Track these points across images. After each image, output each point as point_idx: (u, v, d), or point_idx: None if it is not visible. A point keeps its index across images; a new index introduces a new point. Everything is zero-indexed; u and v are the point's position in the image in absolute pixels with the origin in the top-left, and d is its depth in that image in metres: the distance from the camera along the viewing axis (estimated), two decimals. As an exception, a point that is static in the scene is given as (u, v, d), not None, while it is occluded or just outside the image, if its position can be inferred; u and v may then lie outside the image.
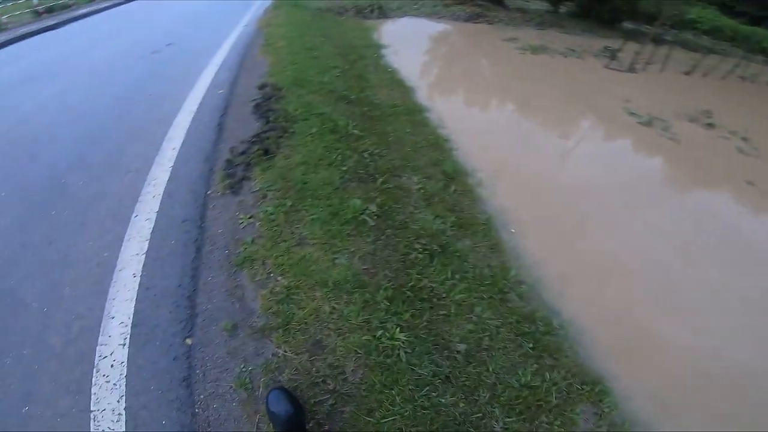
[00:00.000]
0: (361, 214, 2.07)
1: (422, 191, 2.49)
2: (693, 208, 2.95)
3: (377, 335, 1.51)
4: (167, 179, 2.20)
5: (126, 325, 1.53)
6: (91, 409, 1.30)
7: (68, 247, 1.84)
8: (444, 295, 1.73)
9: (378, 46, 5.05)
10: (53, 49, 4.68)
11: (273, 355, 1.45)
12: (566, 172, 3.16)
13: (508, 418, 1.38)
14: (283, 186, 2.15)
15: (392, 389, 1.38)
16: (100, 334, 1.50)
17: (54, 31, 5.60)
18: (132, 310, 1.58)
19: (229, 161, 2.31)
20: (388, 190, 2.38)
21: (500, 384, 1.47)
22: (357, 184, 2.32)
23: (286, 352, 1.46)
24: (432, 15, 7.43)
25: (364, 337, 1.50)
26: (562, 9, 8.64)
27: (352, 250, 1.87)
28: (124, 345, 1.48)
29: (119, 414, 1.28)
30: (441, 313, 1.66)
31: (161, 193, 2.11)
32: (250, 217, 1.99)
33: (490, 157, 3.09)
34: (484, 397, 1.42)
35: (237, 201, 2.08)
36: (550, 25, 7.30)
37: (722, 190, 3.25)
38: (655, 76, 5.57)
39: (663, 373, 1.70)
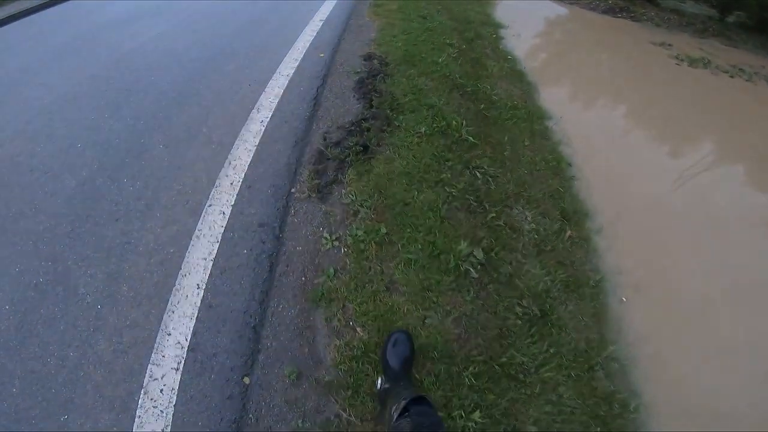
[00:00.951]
0: (465, 260, 1.64)
1: (534, 234, 1.97)
2: None
3: (452, 414, 1.26)
4: (249, 162, 1.88)
5: (182, 347, 1.32)
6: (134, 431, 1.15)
7: (134, 232, 1.62)
8: (533, 372, 1.45)
9: (497, 26, 4.23)
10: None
11: (335, 416, 1.23)
12: (712, 242, 2.37)
13: None
14: (380, 204, 1.74)
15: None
16: (154, 351, 1.30)
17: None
18: (191, 330, 1.35)
19: (320, 153, 1.92)
20: (498, 229, 1.89)
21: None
22: (465, 216, 1.85)
23: (350, 416, 1.23)
24: (563, -2, 6.19)
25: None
26: (730, 18, 6.79)
27: (447, 308, 1.49)
28: (178, 369, 1.28)
29: (161, 444, 1.09)
30: (525, 392, 1.39)
31: (240, 181, 1.81)
32: (335, 239, 1.62)
33: (616, 195, 2.41)
34: None
35: (323, 211, 1.72)
36: (712, 34, 5.74)
37: None
38: None
39: None
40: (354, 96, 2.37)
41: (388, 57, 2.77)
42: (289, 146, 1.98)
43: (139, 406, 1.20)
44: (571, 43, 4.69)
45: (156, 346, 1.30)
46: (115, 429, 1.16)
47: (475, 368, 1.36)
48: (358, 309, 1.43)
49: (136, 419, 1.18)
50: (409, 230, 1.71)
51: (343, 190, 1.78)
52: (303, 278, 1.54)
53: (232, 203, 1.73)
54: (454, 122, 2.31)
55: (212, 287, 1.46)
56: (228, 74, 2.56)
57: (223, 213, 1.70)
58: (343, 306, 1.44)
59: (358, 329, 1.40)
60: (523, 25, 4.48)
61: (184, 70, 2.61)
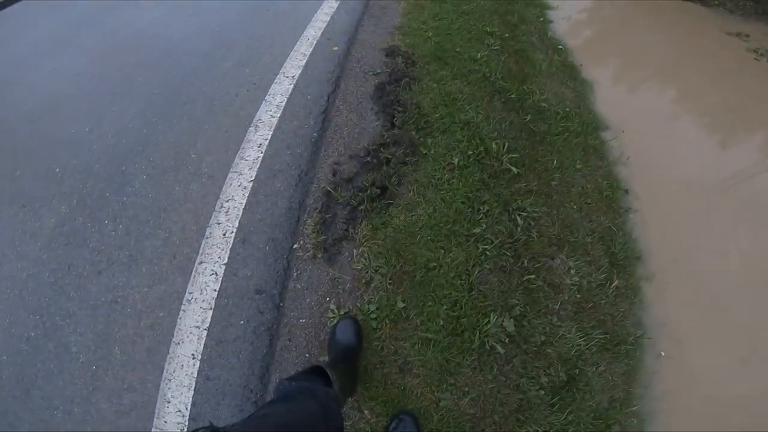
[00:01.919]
0: (492, 335, 1.38)
1: (576, 291, 1.67)
2: None
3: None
4: (243, 205, 1.57)
5: (183, 415, 1.21)
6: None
7: (119, 288, 1.44)
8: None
9: (543, 6, 3.51)
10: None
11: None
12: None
13: None
14: (398, 270, 1.42)
15: None
16: (155, 416, 1.21)
17: None
18: (190, 401, 1.24)
19: (328, 194, 1.58)
20: (533, 290, 1.58)
21: None
22: (497, 278, 1.52)
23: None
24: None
25: None
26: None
27: (465, 389, 1.29)
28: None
29: None
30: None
31: (233, 231, 1.50)
32: (344, 314, 1.34)
33: (676, 233, 2.03)
34: None
35: (330, 277, 1.41)
36: (794, 25, 4.70)
37: None
38: None
39: None
40: (372, 109, 1.96)
41: (414, 52, 2.29)
42: (291, 184, 1.64)
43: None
44: (631, 29, 3.88)
45: (157, 411, 1.23)
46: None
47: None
48: (366, 393, 1.24)
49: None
50: (430, 304, 1.40)
51: (355, 251, 1.45)
52: (307, 354, 1.32)
53: (225, 261, 1.45)
54: (494, 146, 1.88)
55: (208, 359, 1.30)
56: (224, 74, 2.16)
57: (216, 274, 1.44)
58: (351, 396, 1.21)
59: (366, 412, 1.22)
60: (573, 5, 3.74)
61: (177, 68, 2.23)
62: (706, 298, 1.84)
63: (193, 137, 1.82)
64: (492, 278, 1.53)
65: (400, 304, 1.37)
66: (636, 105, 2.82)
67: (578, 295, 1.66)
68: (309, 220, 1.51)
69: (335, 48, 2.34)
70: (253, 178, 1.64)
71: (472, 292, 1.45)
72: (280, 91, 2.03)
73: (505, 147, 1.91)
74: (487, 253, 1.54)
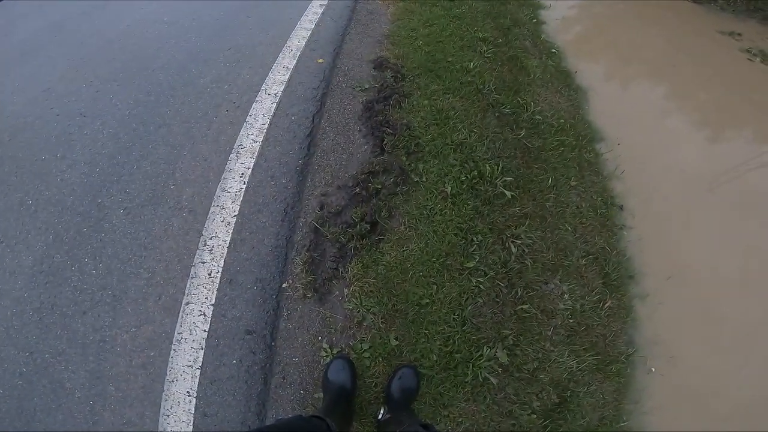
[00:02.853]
0: (485, 367, 1.38)
1: (569, 316, 1.67)
2: None
3: None
4: (228, 242, 1.49)
5: None
6: None
7: (106, 328, 1.37)
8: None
9: (536, 6, 3.38)
10: None
11: None
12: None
13: None
14: (389, 309, 1.38)
15: None
16: None
17: None
18: None
19: (316, 231, 1.51)
20: (527, 318, 1.57)
21: None
22: (491, 310, 1.50)
23: None
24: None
25: None
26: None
27: (459, 419, 1.31)
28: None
29: None
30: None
31: (219, 270, 1.44)
32: (336, 353, 1.30)
33: (671, 250, 2.02)
34: None
35: (321, 316, 1.37)
36: (786, 23, 4.60)
37: None
38: None
39: None
40: (360, 131, 1.87)
41: (404, 64, 2.19)
42: (277, 219, 1.56)
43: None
44: (624, 30, 3.76)
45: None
46: None
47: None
48: (361, 429, 1.24)
49: None
50: (423, 341, 1.38)
51: (346, 290, 1.40)
52: (302, 391, 1.31)
53: (213, 302, 1.40)
54: (488, 168, 1.83)
55: (204, 396, 1.28)
56: (202, 91, 2.04)
57: (204, 314, 1.38)
58: None
59: (356, 447, 1.20)
60: (566, 5, 3.61)
61: (150, 84, 2.10)
62: (700, 313, 1.84)
63: (171, 166, 1.72)
64: (485, 310, 1.50)
65: (393, 342, 1.34)
66: (630, 111, 2.76)
67: (571, 320, 1.66)
68: (297, 258, 1.45)
69: (320, 60, 2.22)
70: (236, 213, 1.56)
71: (465, 326, 1.43)
72: (262, 111, 1.92)
73: (500, 168, 1.86)
74: (481, 286, 1.51)
